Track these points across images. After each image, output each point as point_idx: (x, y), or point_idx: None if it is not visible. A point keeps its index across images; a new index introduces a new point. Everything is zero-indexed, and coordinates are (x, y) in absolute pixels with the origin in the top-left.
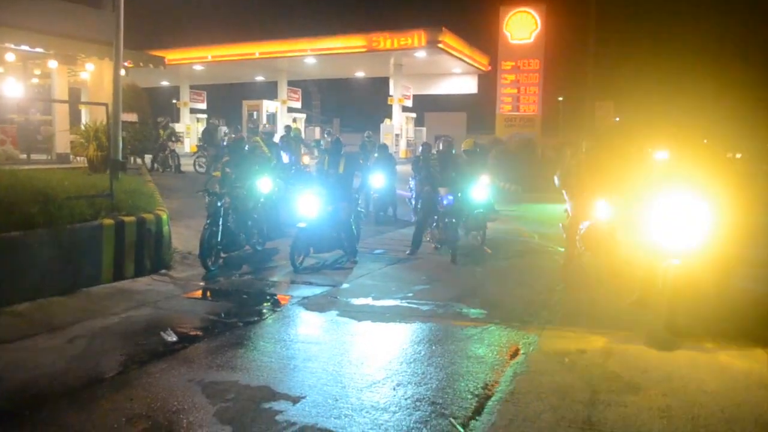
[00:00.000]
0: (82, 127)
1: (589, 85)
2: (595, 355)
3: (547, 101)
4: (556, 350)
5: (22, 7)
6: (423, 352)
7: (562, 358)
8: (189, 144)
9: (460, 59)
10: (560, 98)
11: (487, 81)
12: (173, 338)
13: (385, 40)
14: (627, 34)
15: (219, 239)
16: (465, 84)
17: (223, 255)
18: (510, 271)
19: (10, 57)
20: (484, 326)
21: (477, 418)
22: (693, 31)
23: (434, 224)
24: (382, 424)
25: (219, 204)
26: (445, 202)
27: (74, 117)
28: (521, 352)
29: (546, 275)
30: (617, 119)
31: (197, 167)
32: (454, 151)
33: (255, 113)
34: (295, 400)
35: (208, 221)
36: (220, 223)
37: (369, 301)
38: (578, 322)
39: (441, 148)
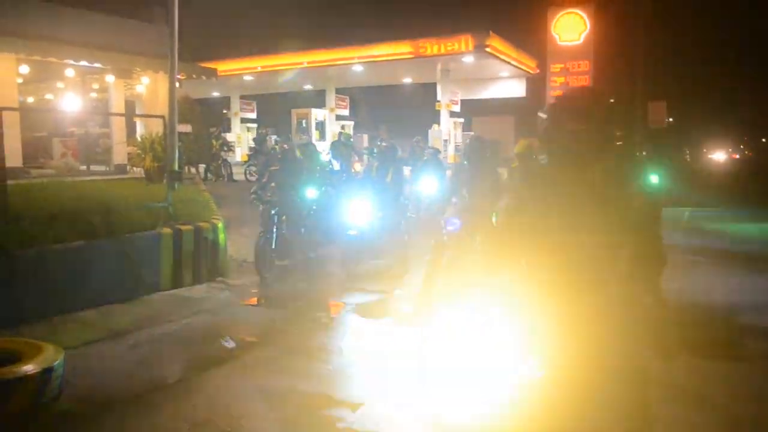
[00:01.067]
0: (139, 139)
1: (640, 86)
2: None
3: None
4: None
5: (81, 24)
6: (482, 360)
7: None
8: (240, 153)
9: (507, 63)
10: (611, 99)
11: (536, 84)
12: (232, 345)
13: (431, 46)
14: (679, 32)
15: (273, 247)
16: (513, 87)
17: (277, 263)
18: None
19: (70, 73)
20: None
21: None
22: (748, 30)
23: None
24: None
25: (272, 212)
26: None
27: (130, 129)
28: None
29: None
30: (670, 120)
31: (248, 176)
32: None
33: (304, 121)
34: (354, 408)
35: (262, 229)
36: (274, 231)
37: None
38: None
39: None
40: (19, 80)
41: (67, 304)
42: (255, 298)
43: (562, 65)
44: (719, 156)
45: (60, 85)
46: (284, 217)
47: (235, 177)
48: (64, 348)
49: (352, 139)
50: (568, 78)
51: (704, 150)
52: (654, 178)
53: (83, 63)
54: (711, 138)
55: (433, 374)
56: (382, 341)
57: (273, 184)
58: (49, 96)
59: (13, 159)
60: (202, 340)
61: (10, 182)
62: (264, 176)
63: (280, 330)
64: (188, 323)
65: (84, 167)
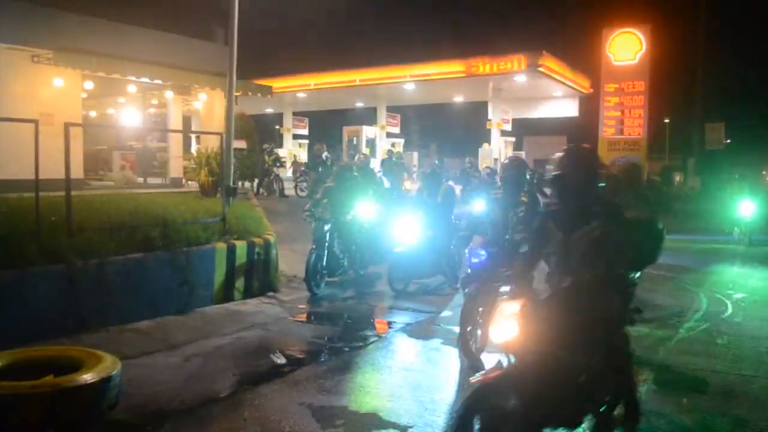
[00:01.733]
0: (194, 154)
1: (698, 107)
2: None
3: (653, 124)
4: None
5: (144, 42)
6: None
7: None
8: (291, 169)
9: (561, 82)
10: (666, 120)
11: (589, 104)
12: (282, 360)
13: (484, 65)
14: (738, 53)
15: (324, 264)
16: (565, 107)
17: (327, 279)
18: None
19: (131, 88)
20: None
21: None
22: None
23: None
24: None
25: (325, 229)
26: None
27: (186, 144)
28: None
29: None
30: (728, 141)
31: (299, 191)
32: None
33: (355, 139)
34: (404, 429)
35: (314, 246)
36: (326, 248)
37: None
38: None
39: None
40: (84, 95)
41: (124, 315)
42: (305, 314)
43: (617, 85)
44: None
45: (121, 100)
46: (336, 234)
47: (286, 192)
48: (121, 358)
49: (402, 158)
50: (622, 98)
51: (763, 172)
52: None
53: (144, 79)
54: None
55: None
56: (429, 362)
57: (326, 201)
58: (110, 110)
59: (75, 171)
60: (253, 354)
61: (72, 193)
62: (318, 192)
63: (330, 347)
64: (240, 337)
65: (141, 180)
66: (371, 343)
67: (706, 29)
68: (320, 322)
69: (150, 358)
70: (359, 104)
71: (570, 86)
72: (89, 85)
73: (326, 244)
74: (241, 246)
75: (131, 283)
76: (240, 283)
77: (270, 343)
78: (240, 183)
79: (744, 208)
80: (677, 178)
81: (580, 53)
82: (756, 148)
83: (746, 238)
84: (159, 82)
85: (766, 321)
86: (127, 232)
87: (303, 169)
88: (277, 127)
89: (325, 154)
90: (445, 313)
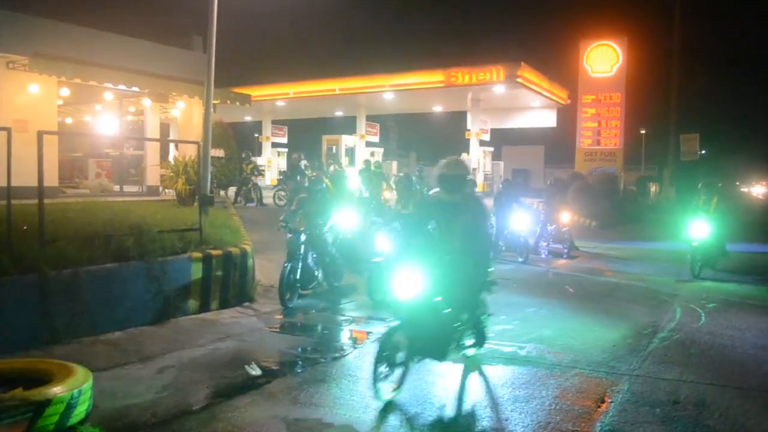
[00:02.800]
0: (172, 162)
1: (673, 118)
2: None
3: (629, 135)
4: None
5: (121, 50)
6: (506, 397)
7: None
8: (270, 178)
9: (539, 93)
10: (642, 131)
11: (566, 114)
12: (257, 372)
13: (463, 75)
14: (712, 65)
15: (298, 276)
16: (543, 118)
17: (301, 292)
18: (594, 312)
19: (108, 96)
20: (568, 371)
21: None
22: None
23: None
24: None
25: (300, 241)
26: None
27: (164, 151)
28: (609, 400)
29: (633, 317)
30: (703, 152)
31: (277, 200)
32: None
33: (334, 147)
34: None
35: (288, 258)
36: (300, 260)
37: None
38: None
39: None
40: (59, 102)
41: (98, 326)
42: (281, 325)
43: (594, 96)
44: (758, 189)
45: (98, 107)
46: (310, 246)
47: (265, 201)
48: (93, 370)
49: (381, 167)
50: (599, 109)
51: (737, 183)
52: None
53: (121, 87)
54: (749, 170)
55: (451, 409)
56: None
57: (301, 212)
58: (87, 117)
59: (49, 179)
60: (228, 366)
61: (46, 201)
62: (293, 203)
63: (306, 358)
64: (215, 348)
65: (117, 188)
66: (347, 354)
67: (681, 42)
68: (296, 333)
69: (123, 370)
70: (339, 113)
71: (548, 97)
72: (65, 92)
73: (300, 256)
74: (217, 256)
75: (105, 294)
76: (216, 294)
77: (245, 354)
78: (218, 192)
79: (696, 228)
80: (653, 188)
81: (558, 65)
82: (730, 159)
83: (695, 268)
84: (136, 89)
85: None
86: (102, 241)
87: (281, 177)
88: (256, 135)
89: (303, 163)
90: None
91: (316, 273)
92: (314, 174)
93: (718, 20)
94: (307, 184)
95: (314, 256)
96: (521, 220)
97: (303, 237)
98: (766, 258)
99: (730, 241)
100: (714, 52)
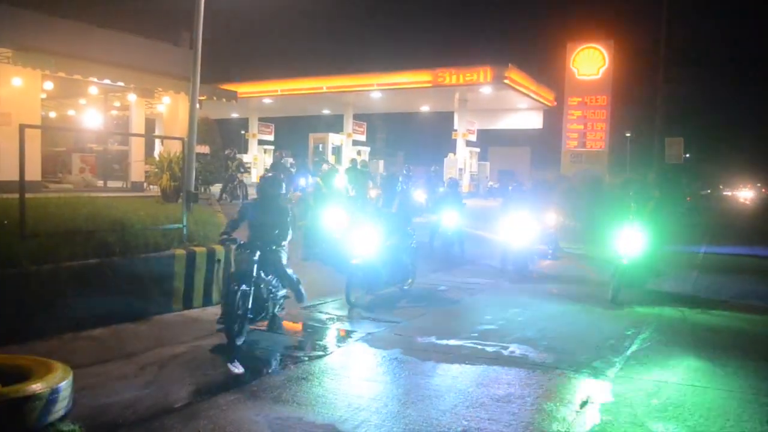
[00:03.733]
0: (157, 158)
1: (658, 122)
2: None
3: (615, 137)
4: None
5: (107, 44)
6: (490, 397)
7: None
8: (256, 174)
9: (525, 95)
10: (628, 134)
11: (553, 116)
12: (239, 370)
13: (450, 76)
14: (698, 70)
15: (250, 305)
16: (530, 119)
17: (250, 326)
18: (578, 312)
19: (93, 90)
20: (551, 371)
21: None
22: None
23: None
24: None
25: (253, 260)
26: None
27: (149, 147)
28: (591, 401)
29: (617, 318)
30: (687, 156)
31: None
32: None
33: (321, 146)
34: None
35: (237, 280)
36: (252, 283)
37: (432, 340)
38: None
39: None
40: (43, 95)
41: (79, 322)
42: (264, 323)
43: (580, 99)
44: (745, 193)
45: (82, 101)
46: (266, 265)
47: (251, 198)
48: (73, 366)
49: (368, 167)
50: (585, 112)
51: (720, 186)
52: None
53: (106, 81)
54: (734, 174)
55: (436, 409)
56: (388, 373)
57: (253, 223)
58: (71, 112)
59: (32, 173)
60: (210, 363)
61: (28, 196)
62: (235, 213)
63: (289, 356)
64: (197, 346)
65: (101, 183)
66: (330, 353)
67: (668, 47)
68: (279, 332)
69: (103, 367)
70: (326, 111)
71: (534, 99)
72: (49, 85)
73: (254, 279)
74: (200, 253)
75: (86, 290)
76: (199, 291)
77: (228, 351)
78: (203, 188)
79: (623, 240)
80: None
81: (545, 67)
82: (715, 164)
83: (614, 290)
84: (121, 84)
85: None
86: (84, 236)
87: (263, 175)
88: (243, 132)
89: (289, 161)
90: (404, 324)
91: (266, 303)
92: (269, 174)
93: (705, 25)
94: (259, 187)
95: (268, 279)
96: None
97: (257, 255)
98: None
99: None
100: (701, 57)
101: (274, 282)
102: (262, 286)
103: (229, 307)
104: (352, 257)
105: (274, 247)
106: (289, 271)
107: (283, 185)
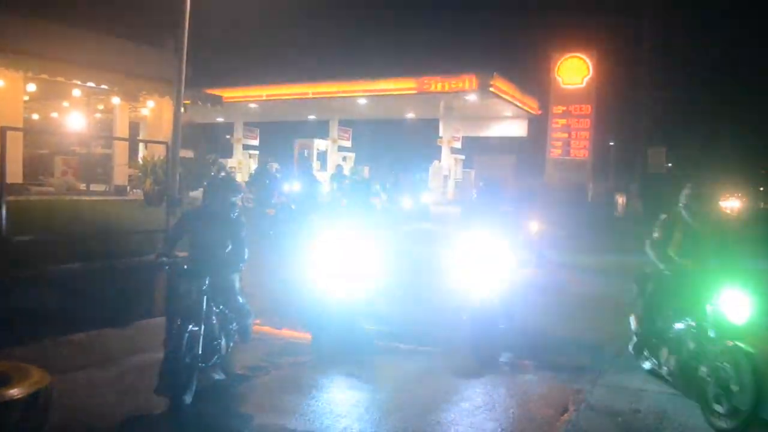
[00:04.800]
0: (140, 161)
1: (641, 131)
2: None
3: (598, 146)
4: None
5: (91, 46)
6: (470, 401)
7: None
8: (240, 179)
9: (510, 103)
10: (611, 143)
11: (537, 124)
12: (222, 377)
13: (436, 83)
14: (681, 79)
15: (200, 350)
16: (515, 127)
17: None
18: (560, 321)
19: (76, 93)
20: (532, 379)
21: None
22: (750, 78)
23: None
24: None
25: (202, 290)
26: None
27: (132, 150)
28: (572, 408)
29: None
30: (669, 165)
31: (246, 203)
32: None
33: (306, 151)
34: None
35: (182, 318)
36: (203, 320)
37: (415, 346)
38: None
39: None
40: (26, 98)
41: (59, 327)
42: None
43: (564, 108)
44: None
45: (65, 104)
46: (216, 295)
47: None
48: (53, 372)
49: (364, 176)
50: (569, 120)
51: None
52: None
53: (90, 84)
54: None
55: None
56: (375, 378)
57: (195, 239)
58: (54, 114)
59: (14, 175)
60: None
61: (9, 198)
62: (175, 226)
63: (272, 363)
64: None
65: (84, 186)
66: (315, 358)
67: (650, 57)
68: (263, 338)
69: (84, 373)
70: (311, 117)
71: (519, 107)
72: (31, 87)
73: (203, 314)
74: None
75: (67, 295)
76: None
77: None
78: (186, 193)
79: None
80: (620, 200)
81: (530, 75)
82: (699, 173)
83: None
84: (105, 87)
85: None
86: (65, 241)
87: (247, 180)
88: (228, 136)
89: (275, 166)
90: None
91: (219, 343)
92: (221, 176)
93: (687, 35)
94: (207, 188)
95: (220, 311)
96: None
97: (206, 282)
98: None
99: None
100: (683, 67)
101: (227, 313)
102: (214, 321)
103: (174, 354)
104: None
105: (226, 271)
106: (242, 300)
107: (238, 191)
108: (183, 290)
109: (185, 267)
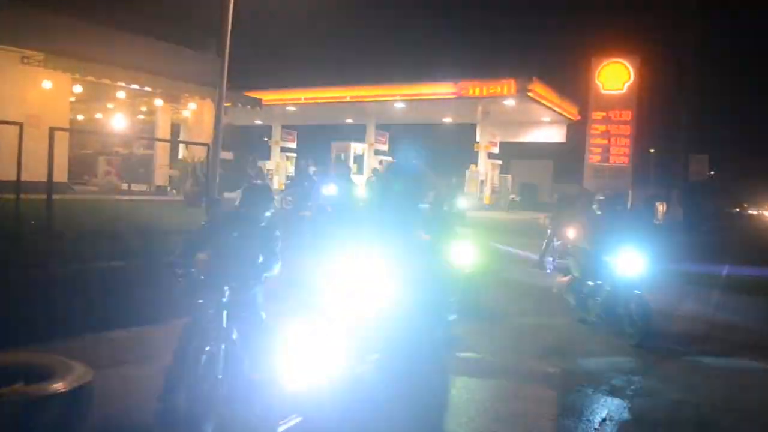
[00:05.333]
0: (180, 162)
1: (683, 138)
2: None
3: (639, 153)
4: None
5: (136, 49)
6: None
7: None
8: (277, 181)
9: (549, 108)
10: (651, 150)
11: (576, 130)
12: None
13: (474, 88)
14: (725, 87)
15: (219, 374)
16: (553, 133)
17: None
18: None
19: (120, 94)
20: (551, 384)
21: None
22: None
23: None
24: None
25: (221, 307)
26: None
27: (174, 151)
28: (601, 416)
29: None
30: (712, 173)
31: (284, 204)
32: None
33: (343, 155)
34: None
35: (198, 340)
36: (222, 339)
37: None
38: None
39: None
40: (72, 98)
41: (101, 323)
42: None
43: (604, 113)
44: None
45: (110, 105)
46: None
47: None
48: (94, 368)
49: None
50: (609, 126)
51: (744, 205)
52: None
53: (134, 86)
54: (760, 193)
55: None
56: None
57: (216, 251)
58: (98, 115)
59: (59, 174)
60: None
61: (55, 197)
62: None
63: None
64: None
65: (126, 186)
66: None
67: (694, 62)
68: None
69: (125, 369)
70: (348, 120)
71: (558, 112)
72: (78, 89)
73: (223, 333)
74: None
75: (109, 291)
76: None
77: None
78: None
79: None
80: (660, 208)
81: (570, 80)
82: (740, 182)
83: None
84: (149, 89)
85: None
86: (108, 239)
87: (287, 182)
88: (266, 139)
89: (312, 168)
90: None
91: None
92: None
93: (735, 43)
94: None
95: (239, 329)
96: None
97: (225, 297)
98: None
99: None
100: (729, 75)
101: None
102: (234, 339)
103: (189, 378)
104: None
105: (251, 282)
106: (263, 314)
107: (272, 203)
108: (201, 306)
109: (202, 278)
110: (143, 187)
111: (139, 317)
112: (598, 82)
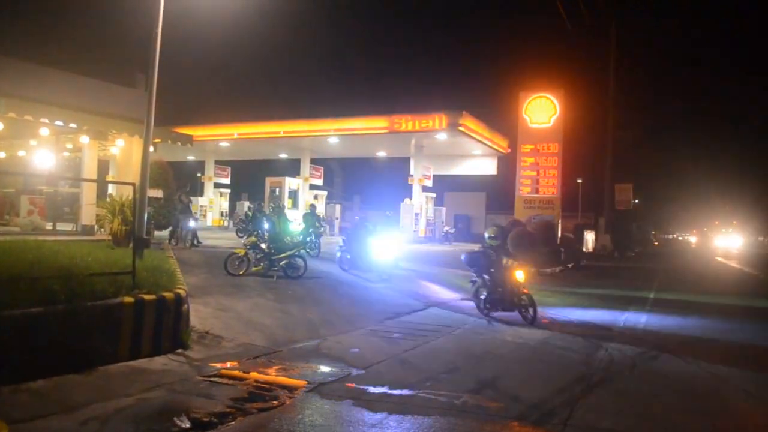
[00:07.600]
0: (108, 201)
1: (608, 169)
2: None
3: (566, 183)
4: None
5: (60, 85)
6: None
7: None
8: (211, 218)
9: (480, 141)
10: (579, 180)
11: (507, 162)
12: (186, 425)
13: (406, 122)
14: (646, 117)
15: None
16: (485, 165)
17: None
18: (533, 362)
19: (44, 131)
20: (503, 422)
21: None
22: (713, 114)
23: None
24: None
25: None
26: None
27: (101, 190)
28: None
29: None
30: (636, 201)
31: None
32: None
33: (277, 189)
34: None
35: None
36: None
37: (385, 390)
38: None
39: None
40: None
41: (19, 373)
42: (214, 374)
43: (533, 146)
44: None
45: (33, 142)
46: None
47: (208, 242)
48: (11, 422)
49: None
50: (537, 159)
51: (670, 230)
52: None
53: (58, 123)
54: (682, 220)
55: None
56: (341, 426)
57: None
58: (21, 152)
59: None
60: (156, 418)
61: None
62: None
63: (238, 409)
64: (143, 398)
65: (50, 226)
66: (281, 404)
67: (616, 97)
68: (230, 381)
69: (43, 422)
70: (283, 155)
71: (489, 145)
72: None
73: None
74: (150, 301)
75: (28, 340)
76: (148, 340)
77: (175, 405)
78: (154, 233)
79: None
80: (589, 236)
81: (500, 114)
82: (663, 209)
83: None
84: (74, 126)
85: None
86: (27, 283)
87: (241, 219)
88: (199, 174)
89: (246, 204)
90: (357, 373)
91: None
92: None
93: (652, 76)
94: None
95: None
96: None
97: None
98: None
99: None
100: (649, 106)
101: None
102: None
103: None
104: None
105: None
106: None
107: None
108: None
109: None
110: (69, 227)
111: (61, 365)
112: (525, 116)
